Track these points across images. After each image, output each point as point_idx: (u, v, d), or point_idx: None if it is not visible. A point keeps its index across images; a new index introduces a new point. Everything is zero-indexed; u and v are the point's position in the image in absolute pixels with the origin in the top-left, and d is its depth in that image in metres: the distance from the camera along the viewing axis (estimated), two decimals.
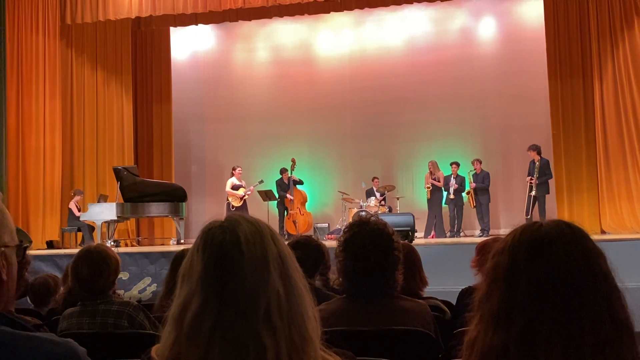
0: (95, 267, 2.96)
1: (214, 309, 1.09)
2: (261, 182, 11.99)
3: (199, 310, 1.10)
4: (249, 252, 1.12)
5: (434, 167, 11.83)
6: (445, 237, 11.37)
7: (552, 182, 10.79)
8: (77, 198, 11.15)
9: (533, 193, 10.50)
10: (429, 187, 11.71)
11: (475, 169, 11.40)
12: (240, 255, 1.12)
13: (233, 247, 1.13)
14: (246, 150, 13.67)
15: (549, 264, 1.11)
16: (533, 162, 10.65)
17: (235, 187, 11.94)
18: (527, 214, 10.60)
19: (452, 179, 11.55)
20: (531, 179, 10.57)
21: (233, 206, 11.80)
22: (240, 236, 1.13)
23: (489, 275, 1.17)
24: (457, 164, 11.60)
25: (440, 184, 11.71)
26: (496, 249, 1.20)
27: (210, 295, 1.10)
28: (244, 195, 11.87)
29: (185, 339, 1.10)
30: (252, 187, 11.93)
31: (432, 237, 11.36)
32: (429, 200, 11.78)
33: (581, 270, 1.11)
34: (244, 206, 11.82)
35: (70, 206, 11.08)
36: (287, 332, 1.09)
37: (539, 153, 10.63)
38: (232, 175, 12.10)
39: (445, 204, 11.71)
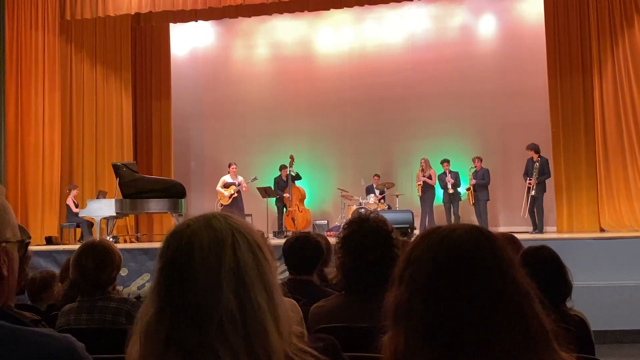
0: (100, 261, 2.95)
1: (166, 319, 1.07)
2: (255, 179, 11.84)
3: (153, 318, 1.08)
4: (201, 262, 1.08)
5: (426, 165, 11.83)
6: None
7: (550, 181, 10.76)
8: (73, 193, 11.13)
9: (532, 193, 10.46)
10: (420, 184, 11.72)
11: (475, 167, 11.41)
12: (191, 266, 1.08)
13: (184, 257, 1.09)
14: (245, 147, 13.64)
15: (465, 274, 1.08)
16: (531, 160, 10.60)
17: (226, 185, 11.81)
18: (524, 215, 10.60)
19: (447, 175, 11.56)
20: (530, 180, 10.52)
21: (222, 204, 11.68)
22: (194, 245, 1.09)
23: (408, 285, 1.11)
24: (448, 161, 11.62)
25: (432, 182, 11.71)
26: (411, 257, 1.14)
27: (163, 304, 1.08)
28: (234, 194, 11.73)
29: (144, 342, 1.09)
30: (245, 184, 11.82)
31: None
32: (421, 198, 11.78)
33: (493, 279, 1.08)
34: (234, 203, 11.65)
35: (67, 202, 11.06)
36: (247, 346, 1.05)
37: (537, 152, 10.60)
38: (228, 172, 12.01)
39: (442, 201, 11.70)
